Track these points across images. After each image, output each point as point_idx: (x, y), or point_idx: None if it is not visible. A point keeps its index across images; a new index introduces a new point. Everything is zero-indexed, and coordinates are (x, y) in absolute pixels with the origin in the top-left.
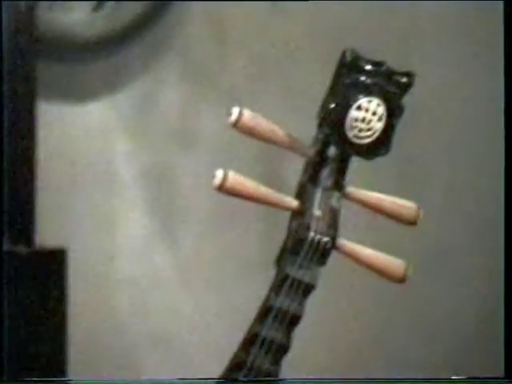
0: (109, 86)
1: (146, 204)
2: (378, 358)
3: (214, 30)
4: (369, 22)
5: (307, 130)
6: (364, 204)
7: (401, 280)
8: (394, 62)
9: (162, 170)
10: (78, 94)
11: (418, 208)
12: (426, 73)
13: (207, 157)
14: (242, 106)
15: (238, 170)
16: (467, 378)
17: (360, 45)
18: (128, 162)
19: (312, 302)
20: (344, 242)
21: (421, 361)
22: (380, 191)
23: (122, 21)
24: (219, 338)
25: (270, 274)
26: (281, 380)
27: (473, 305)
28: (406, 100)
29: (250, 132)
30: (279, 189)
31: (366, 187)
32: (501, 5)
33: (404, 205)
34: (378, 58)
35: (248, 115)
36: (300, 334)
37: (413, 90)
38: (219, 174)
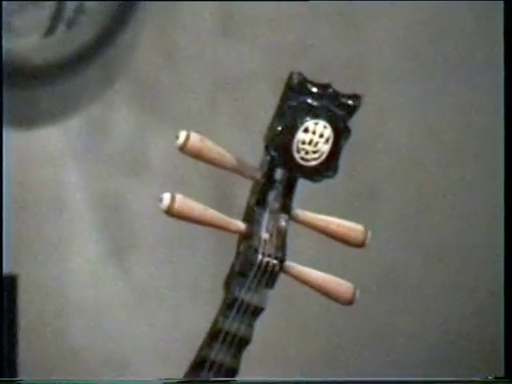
0: (60, 111)
1: (97, 230)
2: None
3: (166, 54)
4: (322, 48)
5: (260, 154)
6: (311, 226)
7: (349, 302)
8: (341, 86)
9: (113, 195)
10: (30, 119)
11: (366, 230)
12: (373, 95)
13: (158, 182)
14: (191, 129)
15: (189, 195)
16: (467, 378)
17: (313, 70)
18: (79, 187)
19: (261, 324)
20: (292, 265)
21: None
22: (329, 212)
23: (74, 46)
24: (172, 361)
25: (222, 296)
26: None
27: (424, 323)
28: (354, 121)
29: (198, 155)
30: (230, 212)
31: (314, 208)
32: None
33: (351, 227)
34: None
35: (195, 138)
36: (249, 356)
37: (360, 111)
38: (166, 197)
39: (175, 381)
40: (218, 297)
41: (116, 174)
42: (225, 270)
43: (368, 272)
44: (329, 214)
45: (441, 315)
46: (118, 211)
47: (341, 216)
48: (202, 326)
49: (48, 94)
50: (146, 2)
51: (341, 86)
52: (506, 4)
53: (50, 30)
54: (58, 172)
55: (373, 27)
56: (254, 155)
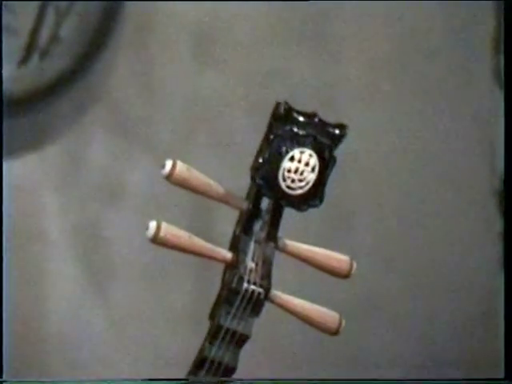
0: (36, 141)
1: (75, 259)
2: None
3: (141, 82)
4: (298, 72)
5: (237, 183)
6: (297, 256)
7: (334, 332)
8: (320, 111)
9: (91, 225)
10: (5, 149)
11: (351, 261)
12: (349, 118)
13: (137, 211)
14: (168, 158)
15: (169, 223)
16: (467, 378)
17: (291, 95)
18: (57, 218)
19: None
20: (278, 294)
21: None
22: (304, 238)
23: (48, 75)
24: None
25: (204, 326)
26: None
27: (409, 350)
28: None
29: (183, 184)
30: (209, 240)
31: (290, 234)
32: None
33: (337, 258)
34: (306, 108)
35: (181, 167)
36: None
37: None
38: (152, 224)
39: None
40: (198, 324)
41: (93, 203)
42: (204, 297)
43: (347, 299)
44: (304, 240)
45: (426, 338)
46: (96, 240)
47: (318, 242)
48: (183, 354)
49: (23, 124)
50: (121, 31)
51: (316, 110)
52: (506, 4)
53: (25, 60)
54: (35, 201)
55: (348, 50)
56: (232, 182)
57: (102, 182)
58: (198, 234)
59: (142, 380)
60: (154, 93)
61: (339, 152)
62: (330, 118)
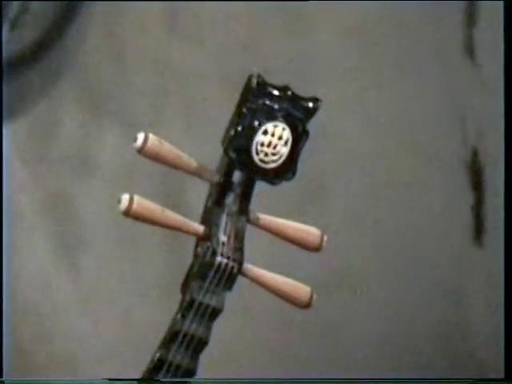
0: (6, 112)
1: (46, 230)
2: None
3: (112, 53)
4: (268, 45)
5: (209, 156)
6: (268, 230)
7: (306, 305)
8: (293, 83)
9: (62, 196)
10: None
11: (322, 234)
12: (320, 91)
13: (107, 183)
14: (139, 130)
15: (138, 195)
16: (467, 378)
17: (262, 68)
18: (26, 189)
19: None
20: (250, 267)
21: None
22: (276, 211)
23: (18, 46)
24: (125, 363)
25: (174, 298)
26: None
27: (382, 323)
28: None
29: (156, 157)
30: (183, 215)
31: (262, 208)
32: None
33: (308, 231)
34: (279, 81)
35: (153, 140)
36: (207, 357)
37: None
38: (125, 198)
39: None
40: (167, 297)
41: (64, 175)
42: (175, 270)
43: (319, 273)
44: (276, 213)
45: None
46: (66, 211)
47: (290, 216)
48: (153, 326)
49: None
50: (92, 2)
51: (287, 83)
52: (506, 4)
53: None
54: (6, 173)
55: (319, 22)
56: (205, 156)
57: (73, 153)
58: (170, 207)
59: (144, 380)
60: (125, 64)
61: (311, 125)
62: (303, 91)
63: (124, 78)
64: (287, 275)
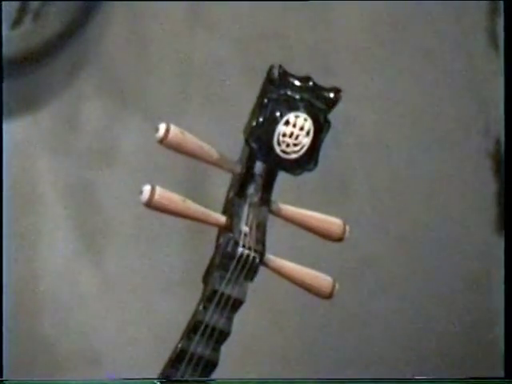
0: (29, 103)
1: (70, 222)
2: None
3: (135, 44)
4: (291, 36)
5: (232, 146)
6: (291, 220)
7: (328, 296)
8: (315, 74)
9: (85, 187)
10: None
11: (344, 224)
12: (343, 83)
13: (130, 173)
14: (163, 121)
15: (163, 186)
16: (467, 378)
17: (285, 59)
18: (51, 179)
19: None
20: (272, 258)
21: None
22: (299, 203)
23: (41, 37)
24: (146, 354)
25: (196, 289)
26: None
27: (403, 315)
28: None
29: (177, 148)
30: (204, 205)
31: (285, 199)
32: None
33: (330, 221)
34: (301, 71)
35: (175, 131)
36: (229, 348)
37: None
38: (146, 189)
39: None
40: (189, 289)
41: (88, 165)
42: (197, 261)
43: (343, 263)
44: (300, 205)
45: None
46: (90, 202)
47: (312, 207)
48: (175, 318)
49: (16, 86)
50: None
51: (311, 74)
52: (506, 4)
53: (17, 21)
54: (30, 164)
55: (342, 13)
56: (227, 146)
57: (96, 144)
58: (192, 198)
59: (149, 379)
60: (147, 55)
61: (334, 116)
62: (325, 82)
63: (146, 68)
64: (310, 265)
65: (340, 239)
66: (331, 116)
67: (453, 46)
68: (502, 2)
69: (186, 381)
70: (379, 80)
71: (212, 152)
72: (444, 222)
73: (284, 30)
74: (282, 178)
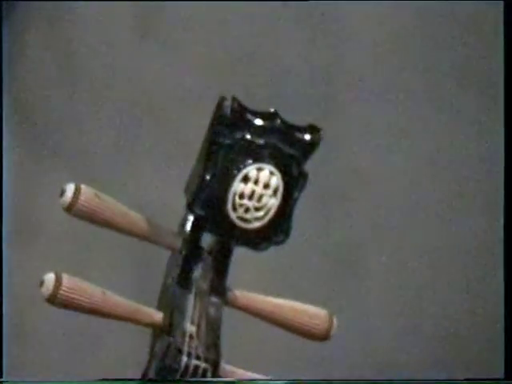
0: None
1: None
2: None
3: (61, 68)
4: (281, 56)
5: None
6: (255, 312)
7: (324, 337)
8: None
9: None
10: None
11: (331, 316)
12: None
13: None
14: (88, 174)
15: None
16: (467, 379)
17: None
18: None
19: None
20: (231, 369)
21: None
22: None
23: None
24: None
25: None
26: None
27: (399, 316)
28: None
29: (91, 218)
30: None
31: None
32: None
33: (312, 313)
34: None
35: (87, 194)
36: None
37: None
38: (49, 277)
39: None
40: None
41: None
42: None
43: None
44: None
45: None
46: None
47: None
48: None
49: None
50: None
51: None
52: (505, 4)
53: None
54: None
55: (347, 31)
56: (182, 202)
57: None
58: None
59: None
60: (78, 81)
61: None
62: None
63: (78, 100)
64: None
65: (325, 338)
66: (334, 158)
67: (464, 65)
68: (502, 2)
69: (185, 381)
70: (400, 82)
71: (141, 221)
72: (444, 222)
73: (271, 49)
74: (242, 253)
